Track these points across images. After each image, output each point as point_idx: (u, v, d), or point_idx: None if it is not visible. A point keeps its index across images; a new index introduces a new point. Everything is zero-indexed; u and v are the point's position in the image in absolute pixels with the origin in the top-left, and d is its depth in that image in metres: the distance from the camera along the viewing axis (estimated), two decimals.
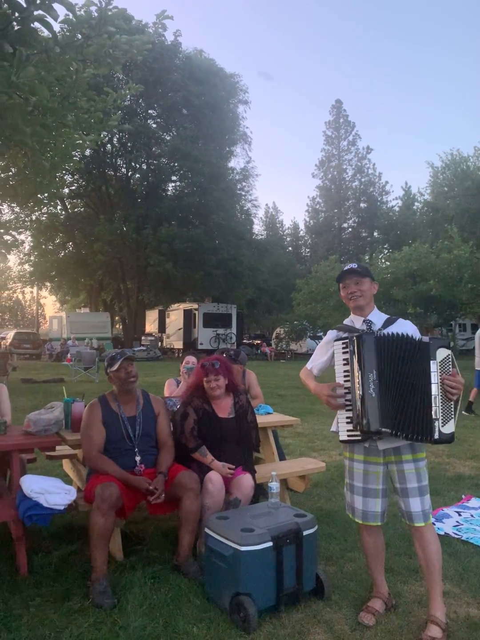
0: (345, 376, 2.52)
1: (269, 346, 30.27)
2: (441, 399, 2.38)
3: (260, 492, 4.01)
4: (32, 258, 30.75)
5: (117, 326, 39.32)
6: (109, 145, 28.76)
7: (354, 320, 2.71)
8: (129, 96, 19.98)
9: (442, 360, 2.40)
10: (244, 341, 32.34)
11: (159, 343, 29.82)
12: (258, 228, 47.11)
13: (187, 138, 27.40)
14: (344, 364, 2.53)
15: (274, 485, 3.03)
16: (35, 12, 2.96)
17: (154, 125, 30.08)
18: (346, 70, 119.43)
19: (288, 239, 57.86)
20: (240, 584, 2.59)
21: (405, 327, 2.58)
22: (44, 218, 28.12)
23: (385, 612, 2.68)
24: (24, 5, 2.92)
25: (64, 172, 22.11)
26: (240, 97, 32.99)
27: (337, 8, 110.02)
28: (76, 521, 3.80)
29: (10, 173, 7.33)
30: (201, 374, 3.48)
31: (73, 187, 30.69)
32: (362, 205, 48.72)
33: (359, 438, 2.49)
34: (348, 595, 2.87)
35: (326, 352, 2.79)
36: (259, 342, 33.43)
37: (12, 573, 3.06)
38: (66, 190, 28.53)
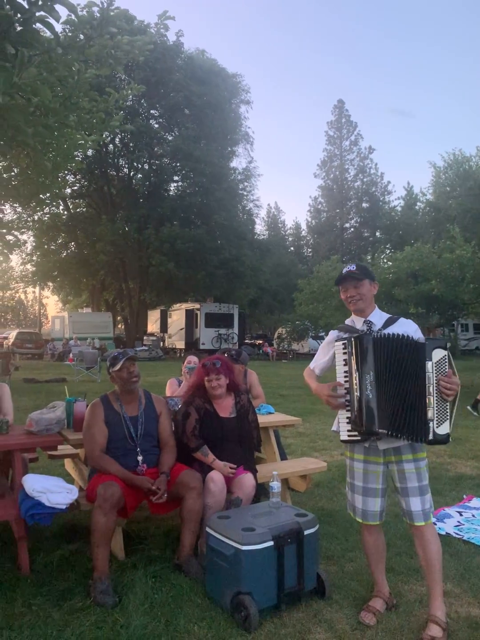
0: (345, 376, 2.54)
1: (271, 346, 30.27)
2: (436, 399, 2.38)
3: (261, 491, 4.02)
4: (34, 258, 30.80)
5: (119, 326, 39.33)
6: (111, 145, 28.80)
7: (355, 321, 2.72)
8: (131, 96, 20.00)
9: (438, 361, 2.40)
10: (246, 341, 32.33)
11: (161, 343, 29.85)
12: (260, 228, 47.21)
13: (189, 138, 27.41)
14: (344, 365, 2.55)
15: (275, 485, 3.03)
16: (37, 13, 2.97)
17: (156, 126, 30.11)
18: (348, 70, 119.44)
19: (290, 239, 57.85)
20: (241, 583, 2.59)
21: (406, 327, 2.59)
22: (46, 218, 28.18)
23: (386, 612, 2.69)
24: (26, 6, 2.93)
25: (66, 172, 22.16)
26: (242, 97, 33.06)
27: (339, 8, 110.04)
28: (78, 520, 3.81)
29: (13, 173, 7.34)
30: (202, 373, 3.48)
31: (75, 187, 30.78)
32: (364, 205, 48.70)
33: (359, 438, 2.52)
34: (349, 595, 2.87)
35: (328, 352, 2.80)
36: (260, 342, 33.44)
37: (14, 572, 3.07)
38: (68, 191, 28.61)
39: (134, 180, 30.95)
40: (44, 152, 5.84)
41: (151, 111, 29.90)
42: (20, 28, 3.07)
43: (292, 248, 54.33)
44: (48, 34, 3.43)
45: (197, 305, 28.21)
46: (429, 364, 2.38)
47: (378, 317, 2.66)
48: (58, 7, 3.03)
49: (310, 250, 53.89)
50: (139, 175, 30.75)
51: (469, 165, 28.40)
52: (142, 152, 28.54)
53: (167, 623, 2.56)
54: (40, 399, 10.15)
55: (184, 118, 29.16)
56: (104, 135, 7.10)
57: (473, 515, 4.11)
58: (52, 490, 2.96)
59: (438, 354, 2.40)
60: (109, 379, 3.42)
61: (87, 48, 3.94)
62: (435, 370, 2.39)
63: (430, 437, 2.37)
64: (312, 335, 27.93)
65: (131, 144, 28.74)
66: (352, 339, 2.50)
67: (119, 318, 36.68)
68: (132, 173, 30.98)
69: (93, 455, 3.18)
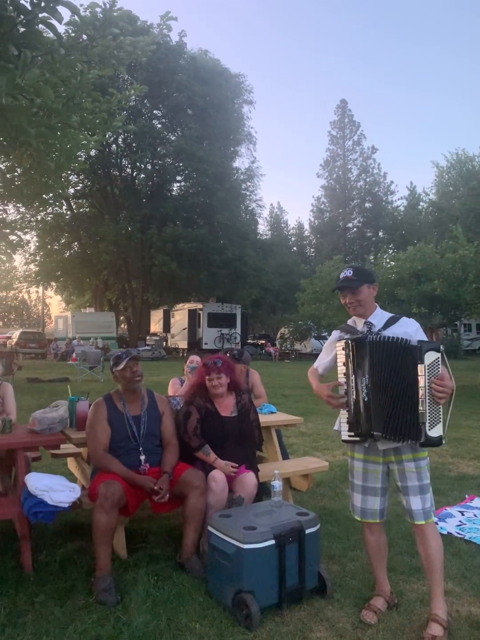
0: (344, 377, 2.58)
1: (274, 346, 30.26)
2: (429, 402, 2.39)
3: (263, 491, 4.03)
4: (37, 258, 30.88)
5: (122, 326, 39.43)
6: (114, 145, 28.87)
7: (357, 321, 2.73)
8: (133, 97, 20.05)
9: (430, 364, 2.40)
10: (249, 341, 32.36)
11: (164, 343, 29.89)
12: (263, 228, 47.28)
13: (191, 138, 27.44)
14: (343, 366, 2.59)
15: (277, 484, 3.04)
16: (40, 15, 2.99)
17: (159, 126, 30.16)
18: (351, 70, 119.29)
19: (293, 239, 57.83)
20: (242, 582, 2.60)
21: (406, 327, 2.59)
22: (49, 218, 28.21)
23: (387, 611, 2.69)
24: (29, 7, 2.95)
25: (69, 172, 22.21)
26: (245, 97, 33.09)
27: (342, 8, 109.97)
28: (80, 519, 3.82)
29: (16, 173, 7.37)
30: (203, 372, 3.50)
31: (78, 188, 30.84)
32: (367, 205, 48.65)
33: (358, 439, 2.55)
34: (350, 594, 2.88)
35: (331, 352, 2.82)
36: (263, 342, 33.43)
37: (17, 570, 3.08)
38: (71, 191, 28.66)
39: (136, 180, 31.01)
40: (46, 153, 5.86)
41: (154, 111, 29.96)
42: (23, 29, 3.09)
43: (295, 248, 54.31)
44: (51, 35, 3.45)
45: (200, 305, 28.24)
46: (421, 367, 2.39)
47: (379, 317, 2.66)
48: (61, 9, 3.05)
49: (313, 250, 53.85)
50: (142, 175, 30.80)
51: (472, 165, 28.37)
52: (145, 152, 28.58)
53: (169, 621, 2.57)
54: (43, 399, 10.17)
55: (186, 118, 29.20)
56: (107, 136, 7.12)
57: (475, 515, 4.11)
58: (55, 489, 2.98)
59: (430, 356, 2.40)
60: (112, 378, 3.43)
61: (90, 49, 3.96)
62: (428, 372, 2.39)
63: (422, 439, 2.40)
64: (314, 335, 27.93)
65: (134, 144, 28.79)
66: (350, 342, 2.53)
67: (122, 318, 36.78)
68: (135, 173, 31.04)
69: (96, 454, 3.20)
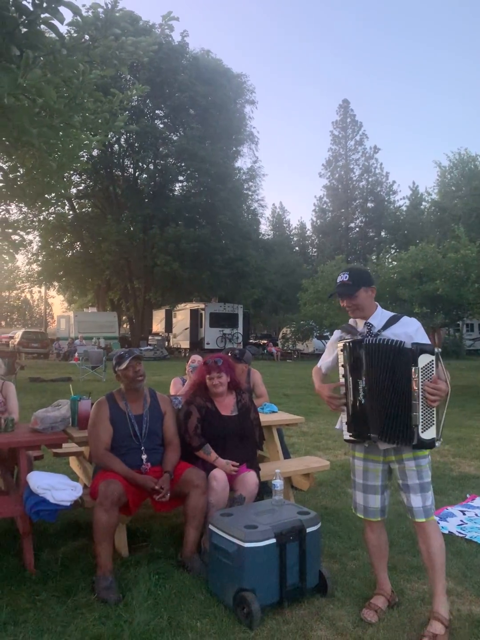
0: (343, 378, 2.61)
1: (276, 346, 30.25)
2: (422, 405, 2.40)
3: (264, 490, 4.03)
4: (40, 258, 30.92)
5: (125, 326, 39.46)
6: (116, 145, 28.88)
7: (357, 322, 2.74)
8: (136, 97, 20.04)
9: (424, 367, 2.40)
10: (251, 341, 32.36)
11: (166, 343, 29.91)
12: (265, 228, 47.21)
13: (194, 138, 27.44)
14: (342, 367, 2.62)
15: (278, 483, 3.05)
16: (42, 15, 3.00)
17: (161, 126, 30.16)
18: (353, 69, 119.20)
19: (295, 238, 57.79)
20: (243, 580, 2.61)
21: (406, 326, 2.60)
22: (51, 218, 28.28)
23: (388, 609, 2.70)
24: (31, 8, 2.96)
25: (71, 172, 22.22)
26: (247, 97, 33.04)
27: (345, 7, 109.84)
28: (82, 517, 3.83)
29: (18, 173, 7.38)
30: (204, 371, 3.51)
31: (81, 188, 30.86)
32: (369, 204, 48.58)
33: (357, 439, 2.59)
34: (351, 593, 2.89)
35: (333, 351, 2.84)
36: (265, 342, 33.42)
37: (19, 568, 3.10)
38: (74, 191, 28.68)
39: (139, 181, 31.02)
40: (49, 153, 5.87)
41: (156, 111, 29.95)
42: (25, 30, 3.10)
43: (297, 248, 54.25)
44: (53, 35, 3.46)
45: (202, 305, 28.26)
46: (415, 370, 2.40)
47: (379, 317, 2.66)
48: (62, 9, 3.07)
49: (315, 250, 53.81)
50: (144, 175, 30.81)
51: (475, 164, 28.31)
52: (147, 152, 28.59)
53: (170, 619, 2.58)
54: (46, 398, 10.19)
55: (189, 118, 29.20)
56: (109, 136, 7.12)
57: (476, 515, 4.11)
58: (57, 488, 2.99)
59: (424, 359, 2.40)
60: (114, 377, 3.45)
61: (92, 49, 3.97)
62: (422, 375, 2.39)
63: (415, 441, 2.41)
64: (316, 335, 27.86)
65: (136, 144, 28.80)
66: (347, 345, 2.56)
67: (124, 318, 36.81)
68: (137, 173, 31.05)
69: (97, 453, 3.21)
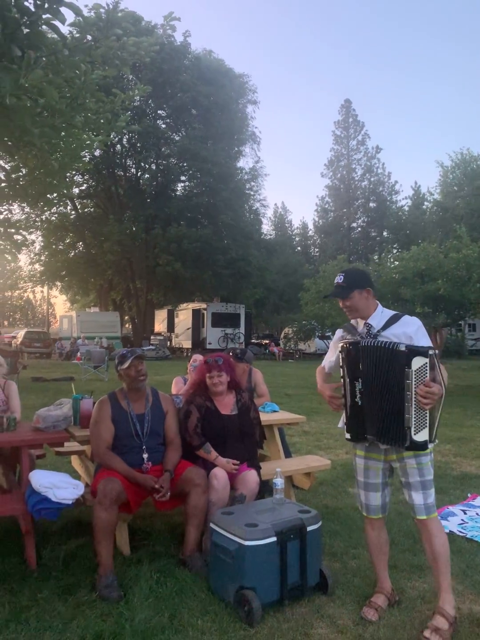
0: (342, 379, 2.64)
1: (277, 346, 30.26)
2: (415, 407, 2.41)
3: (266, 489, 4.04)
4: (42, 258, 30.99)
5: (127, 325, 39.48)
6: (118, 145, 28.93)
7: (358, 321, 2.75)
8: (138, 97, 20.05)
9: (417, 370, 2.40)
10: (253, 341, 32.35)
11: (168, 342, 29.94)
12: (267, 228, 47.16)
13: (196, 138, 27.48)
14: (341, 368, 2.64)
15: (279, 481, 3.06)
16: (44, 16, 3.01)
17: (163, 126, 30.21)
18: (355, 69, 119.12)
19: (297, 238, 57.81)
20: (244, 578, 2.62)
21: (407, 326, 2.60)
22: (54, 218, 28.35)
23: (388, 608, 2.70)
24: (32, 9, 2.97)
25: (73, 172, 22.28)
26: (249, 97, 33.09)
27: (348, 7, 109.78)
28: (84, 516, 3.84)
29: (21, 173, 7.40)
30: (204, 369, 3.52)
31: (83, 188, 30.94)
32: (371, 204, 48.56)
33: (356, 439, 2.64)
34: (352, 591, 2.90)
35: (335, 351, 2.85)
36: (267, 342, 33.44)
37: (21, 566, 3.12)
38: (76, 191, 28.75)
39: (141, 181, 31.07)
40: (51, 153, 5.89)
41: (158, 111, 30.00)
42: (27, 30, 3.12)
43: (299, 248, 54.27)
44: (55, 36, 3.47)
45: (204, 305, 28.27)
46: (408, 373, 2.40)
47: (379, 318, 2.66)
48: (64, 10, 3.08)
49: (317, 250, 53.80)
50: (146, 176, 30.87)
51: (477, 164, 28.32)
52: (150, 152, 28.65)
53: (171, 617, 2.60)
54: (48, 398, 10.22)
55: (191, 118, 29.24)
56: (111, 136, 7.15)
57: (477, 514, 4.11)
58: (59, 486, 3.00)
59: (417, 362, 2.40)
60: (117, 376, 3.46)
61: (94, 49, 3.99)
62: (415, 378, 2.40)
63: (407, 443, 2.43)
64: (318, 335, 27.87)
65: (138, 144, 28.85)
66: (345, 346, 2.59)
67: (126, 317, 36.82)
68: (139, 173, 31.10)
69: (98, 452, 3.22)
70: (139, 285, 31.76)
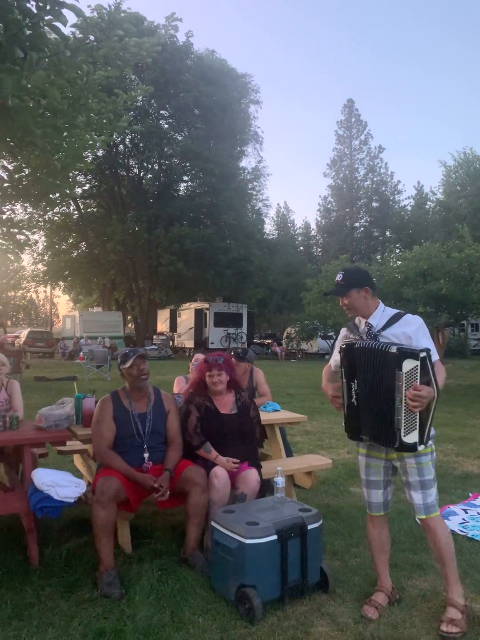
0: (342, 379, 2.67)
1: (280, 346, 30.25)
2: (405, 410, 2.42)
3: (267, 488, 4.06)
4: (45, 257, 31.04)
5: (129, 325, 39.55)
6: (121, 145, 28.95)
7: (360, 320, 2.76)
8: (140, 97, 20.09)
9: (408, 372, 2.41)
10: (255, 341, 32.36)
11: (170, 342, 29.96)
12: (269, 228, 47.25)
13: (198, 138, 27.48)
14: (341, 368, 2.68)
15: (279, 480, 3.07)
16: (46, 18, 3.03)
17: (166, 126, 30.20)
18: (358, 69, 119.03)
19: (299, 238, 57.71)
20: (245, 576, 2.64)
21: (407, 326, 2.60)
22: (57, 218, 28.40)
23: (389, 606, 2.72)
24: (34, 10, 2.99)
25: (76, 172, 22.31)
26: (252, 97, 33.08)
27: (349, 6, 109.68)
28: (86, 514, 3.83)
29: (23, 174, 7.43)
30: (204, 368, 3.54)
31: (86, 188, 30.92)
32: (374, 204, 48.45)
33: (353, 439, 2.69)
34: (352, 589, 2.91)
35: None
36: (269, 341, 33.43)
37: (23, 564, 3.14)
38: (79, 191, 28.74)
39: (143, 181, 31.09)
40: (53, 153, 5.91)
41: (161, 111, 30.00)
42: (29, 32, 3.14)
43: (301, 248, 54.17)
44: (56, 37, 3.49)
45: (206, 305, 28.28)
46: (399, 375, 2.41)
47: (379, 317, 2.67)
48: (66, 11, 3.10)
49: (319, 249, 53.71)
50: (149, 176, 30.88)
51: None
52: (152, 153, 28.65)
53: (172, 614, 2.61)
54: (51, 397, 10.24)
55: (193, 118, 29.24)
56: (113, 136, 7.17)
57: (478, 513, 4.12)
58: (61, 484, 3.02)
59: (408, 364, 2.40)
60: (119, 375, 3.48)
61: (96, 50, 4.01)
62: (405, 380, 2.41)
63: (397, 444, 2.45)
64: (320, 335, 27.85)
65: (141, 144, 28.86)
66: (342, 347, 2.62)
67: (129, 317, 36.87)
68: (142, 173, 31.12)
69: (99, 450, 3.24)
70: (142, 285, 31.79)
